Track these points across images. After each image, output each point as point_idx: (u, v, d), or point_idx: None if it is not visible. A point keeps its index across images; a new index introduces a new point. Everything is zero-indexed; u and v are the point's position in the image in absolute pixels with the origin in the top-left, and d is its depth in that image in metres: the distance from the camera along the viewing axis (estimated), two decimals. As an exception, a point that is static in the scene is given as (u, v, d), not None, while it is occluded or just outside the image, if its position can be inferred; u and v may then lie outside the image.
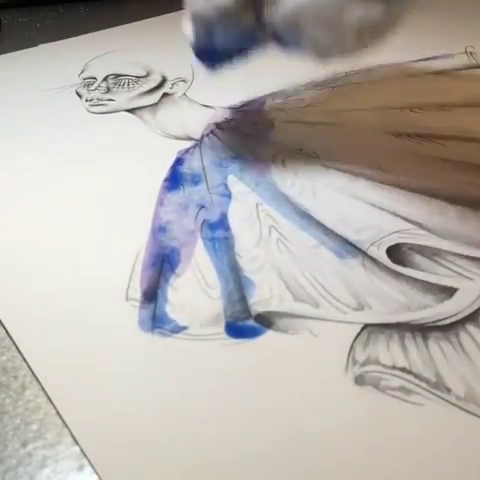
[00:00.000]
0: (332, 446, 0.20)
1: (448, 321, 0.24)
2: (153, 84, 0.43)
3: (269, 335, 0.24)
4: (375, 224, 0.29)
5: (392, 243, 0.28)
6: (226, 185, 0.32)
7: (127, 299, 0.26)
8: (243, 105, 0.40)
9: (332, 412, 0.21)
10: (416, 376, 0.22)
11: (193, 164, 0.34)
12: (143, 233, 0.29)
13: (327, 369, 0.22)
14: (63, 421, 0.21)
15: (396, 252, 0.27)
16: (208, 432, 0.21)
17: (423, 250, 0.27)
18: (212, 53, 0.25)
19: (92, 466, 0.20)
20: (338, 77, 0.42)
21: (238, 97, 0.40)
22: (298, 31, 0.23)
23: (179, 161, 0.34)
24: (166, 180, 0.33)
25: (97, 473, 0.20)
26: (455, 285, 0.26)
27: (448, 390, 0.22)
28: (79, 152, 0.36)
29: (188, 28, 0.24)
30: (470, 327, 0.24)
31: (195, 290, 0.26)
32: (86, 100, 0.42)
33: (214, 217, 0.30)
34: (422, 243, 0.28)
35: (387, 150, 0.34)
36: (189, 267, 0.27)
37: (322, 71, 0.43)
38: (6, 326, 0.25)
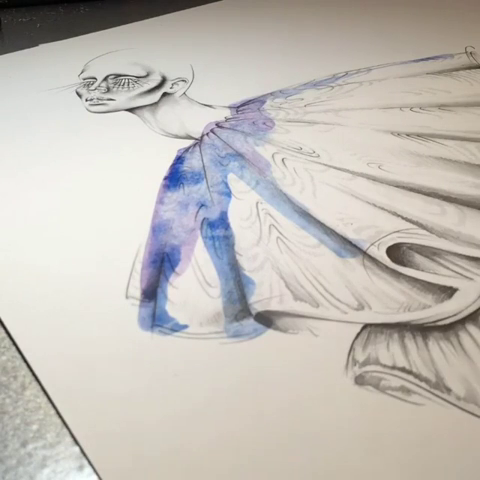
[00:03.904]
0: (332, 446, 0.20)
1: (448, 321, 0.24)
2: (153, 84, 0.43)
3: (269, 334, 0.24)
4: (375, 224, 0.29)
5: (392, 243, 0.28)
6: (226, 184, 0.32)
7: (127, 297, 0.26)
8: (243, 104, 0.40)
9: (332, 412, 0.21)
10: (416, 376, 0.22)
11: (193, 163, 0.34)
12: (143, 231, 0.29)
13: (327, 369, 0.22)
14: (63, 421, 0.21)
15: (396, 252, 0.27)
16: (208, 431, 0.21)
17: (423, 250, 0.27)
18: None
19: (92, 466, 0.20)
20: (338, 77, 0.42)
21: (238, 96, 0.40)
22: None
23: (179, 160, 0.34)
24: (166, 179, 0.33)
25: (97, 473, 0.20)
26: (455, 285, 0.26)
27: (448, 390, 0.22)
28: (79, 151, 0.36)
29: None
30: (470, 327, 0.24)
31: (195, 289, 0.26)
32: (86, 100, 0.42)
33: (214, 215, 0.30)
34: (422, 243, 0.28)
35: (387, 150, 0.34)
36: (189, 265, 0.27)
37: (322, 71, 0.43)
38: (6, 326, 0.25)
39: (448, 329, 0.24)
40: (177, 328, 0.24)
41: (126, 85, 0.43)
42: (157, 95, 0.42)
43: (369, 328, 0.24)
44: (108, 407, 0.22)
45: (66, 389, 0.22)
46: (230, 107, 0.39)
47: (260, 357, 0.23)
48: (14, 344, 0.24)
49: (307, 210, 0.30)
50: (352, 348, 0.23)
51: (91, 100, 0.41)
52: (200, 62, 0.46)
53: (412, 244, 0.28)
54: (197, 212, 0.30)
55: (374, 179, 0.32)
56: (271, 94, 0.41)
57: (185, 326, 0.24)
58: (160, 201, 0.31)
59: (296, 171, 0.33)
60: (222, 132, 0.37)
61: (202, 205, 0.31)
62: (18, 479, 0.20)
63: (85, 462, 0.20)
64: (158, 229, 0.29)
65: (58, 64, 0.47)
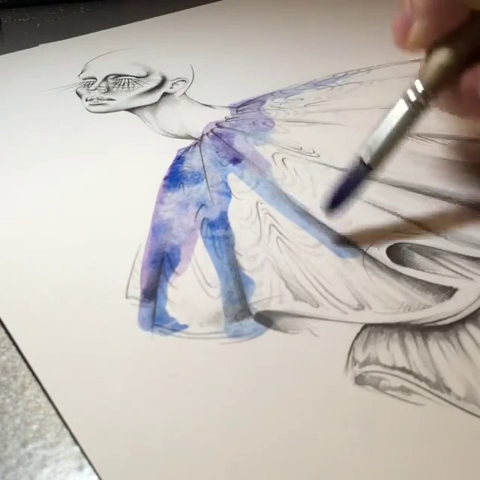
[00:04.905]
0: (332, 446, 0.20)
1: (448, 321, 0.24)
2: (153, 84, 0.43)
3: (269, 334, 0.24)
4: (375, 224, 0.29)
5: (392, 243, 0.28)
6: (226, 183, 0.32)
7: (127, 297, 0.26)
8: (243, 104, 0.40)
9: (332, 412, 0.21)
10: (416, 376, 0.22)
11: (193, 163, 0.34)
12: (143, 231, 0.29)
13: (327, 369, 0.22)
14: (63, 421, 0.21)
15: (396, 252, 0.27)
16: (208, 432, 0.21)
17: (423, 250, 0.27)
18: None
19: (92, 466, 0.20)
20: (338, 77, 0.42)
21: (238, 96, 0.40)
22: None
23: (179, 160, 0.34)
24: (166, 179, 0.33)
25: (97, 473, 0.20)
26: (455, 285, 0.26)
27: (448, 390, 0.22)
28: (79, 151, 0.36)
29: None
30: (470, 327, 0.24)
31: (195, 289, 0.26)
32: (86, 100, 0.42)
33: (214, 215, 0.30)
34: (422, 243, 0.28)
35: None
36: (189, 265, 0.27)
37: (322, 71, 0.43)
38: (6, 326, 0.25)
39: (448, 329, 0.24)
40: (177, 328, 0.24)
41: (126, 85, 0.43)
42: (157, 95, 0.42)
43: (369, 328, 0.24)
44: (108, 407, 0.22)
45: (66, 389, 0.22)
46: (230, 107, 0.39)
47: (260, 357, 0.23)
48: (14, 344, 0.24)
49: (307, 210, 0.30)
50: (352, 348, 0.23)
51: (91, 100, 0.41)
52: (200, 62, 0.46)
53: (412, 244, 0.28)
54: (197, 212, 0.30)
55: (374, 179, 0.32)
56: (271, 94, 0.41)
57: (185, 326, 0.24)
58: (160, 201, 0.31)
59: (296, 171, 0.33)
60: (222, 132, 0.37)
61: (202, 205, 0.31)
62: (18, 479, 0.20)
63: (85, 462, 0.20)
64: (158, 229, 0.29)
65: (58, 64, 0.47)
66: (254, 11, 0.55)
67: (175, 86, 0.43)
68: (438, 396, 0.21)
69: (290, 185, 0.32)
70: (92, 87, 0.43)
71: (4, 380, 0.23)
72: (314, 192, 0.31)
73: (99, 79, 0.44)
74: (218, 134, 0.37)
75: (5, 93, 0.43)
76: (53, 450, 0.21)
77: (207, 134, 0.37)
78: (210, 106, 0.40)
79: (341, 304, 0.25)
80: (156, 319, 0.25)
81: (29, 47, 0.50)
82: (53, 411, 0.22)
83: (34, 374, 0.23)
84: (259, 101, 0.40)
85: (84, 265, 0.28)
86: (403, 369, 0.22)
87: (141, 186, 0.32)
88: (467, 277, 0.26)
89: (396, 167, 0.33)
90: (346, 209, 0.28)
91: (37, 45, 0.51)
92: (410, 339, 0.23)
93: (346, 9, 0.54)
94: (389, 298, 0.25)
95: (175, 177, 0.33)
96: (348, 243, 0.28)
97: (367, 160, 0.27)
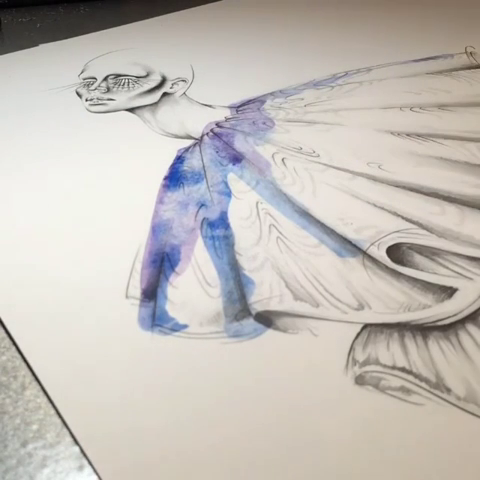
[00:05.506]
0: (332, 446, 0.20)
1: (448, 321, 0.24)
2: (153, 84, 0.43)
3: (269, 334, 0.24)
4: (375, 224, 0.29)
5: (392, 243, 0.28)
6: (226, 183, 0.32)
7: (127, 297, 0.26)
8: (243, 104, 0.40)
9: (332, 412, 0.21)
10: (416, 376, 0.22)
11: (193, 163, 0.34)
12: (143, 231, 0.29)
13: (327, 369, 0.22)
14: (63, 421, 0.21)
15: (396, 252, 0.27)
16: (208, 431, 0.21)
17: (423, 250, 0.27)
18: None
19: (92, 466, 0.20)
20: (338, 77, 0.42)
21: (238, 96, 0.40)
22: None
23: (179, 159, 0.34)
24: (166, 178, 0.33)
25: (97, 473, 0.20)
26: (455, 285, 0.26)
27: (448, 390, 0.22)
28: (79, 151, 0.36)
29: None
30: (470, 327, 0.24)
31: (195, 288, 0.26)
32: (86, 100, 0.42)
33: (214, 215, 0.30)
34: (422, 243, 0.28)
35: (387, 150, 0.34)
36: (189, 265, 0.27)
37: (322, 71, 0.43)
38: (6, 326, 0.25)
39: (448, 329, 0.24)
40: (177, 328, 0.24)
41: (126, 85, 0.43)
42: (157, 95, 0.42)
43: (369, 328, 0.24)
44: (108, 407, 0.22)
45: (66, 389, 0.22)
46: (230, 107, 0.39)
47: (260, 357, 0.23)
48: (14, 344, 0.24)
49: (307, 210, 0.30)
50: (352, 348, 0.23)
51: (91, 100, 0.41)
52: (200, 62, 0.46)
53: (412, 244, 0.28)
54: (197, 212, 0.30)
55: (374, 179, 0.32)
56: (271, 94, 0.41)
57: (185, 326, 0.24)
58: (160, 201, 0.31)
59: (296, 171, 0.33)
60: (222, 132, 0.37)
61: (202, 205, 0.31)
62: (18, 479, 0.20)
63: (85, 462, 0.20)
64: (158, 229, 0.29)
65: (58, 64, 0.47)
66: (254, 11, 0.55)
67: (175, 86, 0.43)
68: (438, 396, 0.21)
69: (290, 185, 0.32)
70: (92, 87, 0.43)
71: (4, 380, 0.23)
72: (314, 192, 0.31)
73: (99, 79, 0.44)
74: (218, 134, 0.37)
75: (5, 93, 0.43)
76: (53, 450, 0.21)
77: (207, 134, 0.37)
78: (210, 106, 0.40)
79: (341, 304, 0.25)
80: (156, 319, 0.25)
81: (29, 47, 0.50)
82: (53, 411, 0.22)
83: (34, 374, 0.23)
84: (259, 101, 0.40)
85: (84, 265, 0.28)
86: (403, 369, 0.22)
87: (141, 186, 0.32)
88: (467, 277, 0.26)
89: (396, 167, 0.33)
90: None
91: (37, 45, 0.51)
92: (410, 339, 0.23)
93: (346, 9, 0.54)
94: (389, 298, 0.25)
95: (175, 177, 0.33)
96: (348, 243, 0.28)
97: None
